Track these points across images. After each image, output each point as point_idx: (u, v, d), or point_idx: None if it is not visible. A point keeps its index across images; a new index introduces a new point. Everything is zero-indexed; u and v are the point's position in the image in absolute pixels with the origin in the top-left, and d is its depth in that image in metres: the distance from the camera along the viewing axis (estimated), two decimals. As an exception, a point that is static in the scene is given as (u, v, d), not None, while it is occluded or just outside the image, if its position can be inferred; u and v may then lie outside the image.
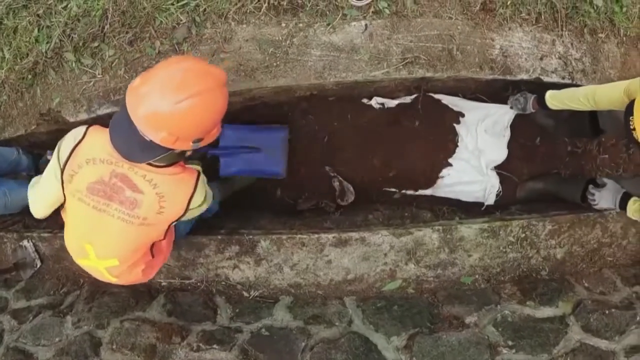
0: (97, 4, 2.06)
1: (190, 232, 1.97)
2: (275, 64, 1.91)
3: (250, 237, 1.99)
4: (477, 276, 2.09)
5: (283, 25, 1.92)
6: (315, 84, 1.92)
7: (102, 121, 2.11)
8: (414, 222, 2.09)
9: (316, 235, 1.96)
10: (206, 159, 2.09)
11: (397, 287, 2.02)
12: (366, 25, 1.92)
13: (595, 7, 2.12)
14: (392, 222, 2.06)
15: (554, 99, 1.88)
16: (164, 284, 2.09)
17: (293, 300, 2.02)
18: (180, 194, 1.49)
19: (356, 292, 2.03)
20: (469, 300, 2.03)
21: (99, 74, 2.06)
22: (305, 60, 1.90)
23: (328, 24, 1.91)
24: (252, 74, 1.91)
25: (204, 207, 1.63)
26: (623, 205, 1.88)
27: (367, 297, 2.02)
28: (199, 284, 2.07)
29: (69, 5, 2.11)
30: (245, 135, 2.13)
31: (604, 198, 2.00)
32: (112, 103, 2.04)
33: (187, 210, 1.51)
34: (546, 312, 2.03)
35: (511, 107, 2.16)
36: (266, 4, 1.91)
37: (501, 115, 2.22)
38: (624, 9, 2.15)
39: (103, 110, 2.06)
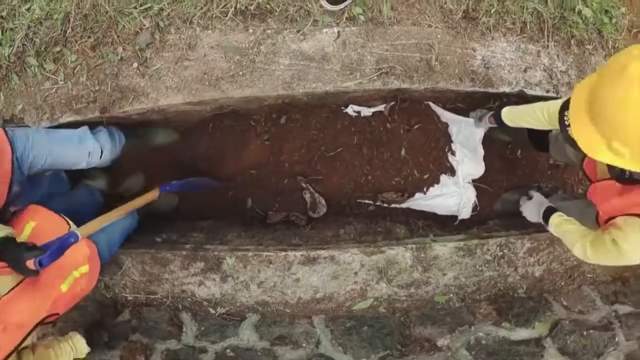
0: (60, 7, 1.79)
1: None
2: (241, 72, 1.63)
3: (216, 253, 1.73)
4: (451, 295, 1.84)
5: (250, 31, 1.64)
6: (283, 95, 1.64)
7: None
8: (387, 237, 1.83)
9: (283, 253, 1.70)
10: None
11: (368, 306, 1.77)
12: (339, 32, 1.63)
13: (583, 18, 1.83)
14: (364, 239, 1.80)
15: (511, 114, 1.56)
16: (129, 298, 1.84)
17: (260, 318, 1.77)
18: None
19: (325, 311, 1.78)
20: (442, 320, 1.78)
21: (61, 80, 1.79)
22: (273, 69, 1.62)
23: (298, 31, 1.63)
24: (217, 83, 1.63)
25: None
26: (546, 218, 1.56)
27: (337, 316, 1.77)
28: (164, 299, 1.82)
29: (32, 7, 1.84)
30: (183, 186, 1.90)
31: (529, 209, 1.71)
32: (74, 111, 1.77)
33: None
34: (522, 333, 1.79)
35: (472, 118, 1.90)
36: (233, 9, 1.63)
37: (471, 132, 1.95)
38: (614, 20, 1.86)
39: (65, 119, 1.78)
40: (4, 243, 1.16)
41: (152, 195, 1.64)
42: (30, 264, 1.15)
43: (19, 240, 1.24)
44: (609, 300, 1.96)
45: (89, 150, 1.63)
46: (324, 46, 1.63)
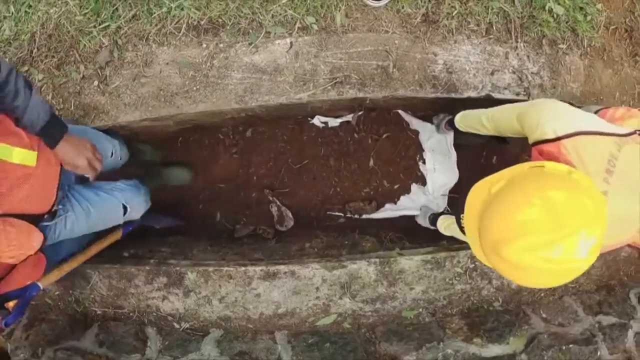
0: (26, 27, 1.83)
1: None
2: (195, 88, 1.62)
3: (178, 268, 1.73)
4: (420, 310, 1.77)
5: (204, 45, 1.63)
6: (238, 109, 1.62)
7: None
8: (352, 251, 1.78)
9: (243, 268, 1.68)
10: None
11: (331, 322, 1.72)
12: (291, 43, 1.61)
13: (555, 16, 1.74)
14: (327, 252, 1.76)
15: (462, 121, 1.54)
16: (99, 312, 1.86)
17: (223, 333, 1.75)
18: None
19: (288, 326, 1.74)
20: (410, 337, 1.71)
21: (29, 100, 1.83)
22: (226, 83, 1.61)
23: (250, 43, 1.61)
24: (172, 99, 1.63)
25: None
26: (434, 224, 1.78)
27: (299, 332, 1.73)
28: (131, 313, 1.82)
29: (2, 28, 1.89)
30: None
31: (420, 219, 1.94)
32: (41, 129, 1.80)
33: None
34: (494, 350, 1.71)
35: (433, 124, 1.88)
36: (185, 24, 1.62)
37: (443, 136, 1.89)
38: (589, 17, 1.76)
39: (34, 137, 1.82)
40: None
41: (115, 236, 1.66)
42: None
43: None
44: (592, 311, 1.85)
45: (114, 143, 1.58)
46: (276, 58, 1.60)
